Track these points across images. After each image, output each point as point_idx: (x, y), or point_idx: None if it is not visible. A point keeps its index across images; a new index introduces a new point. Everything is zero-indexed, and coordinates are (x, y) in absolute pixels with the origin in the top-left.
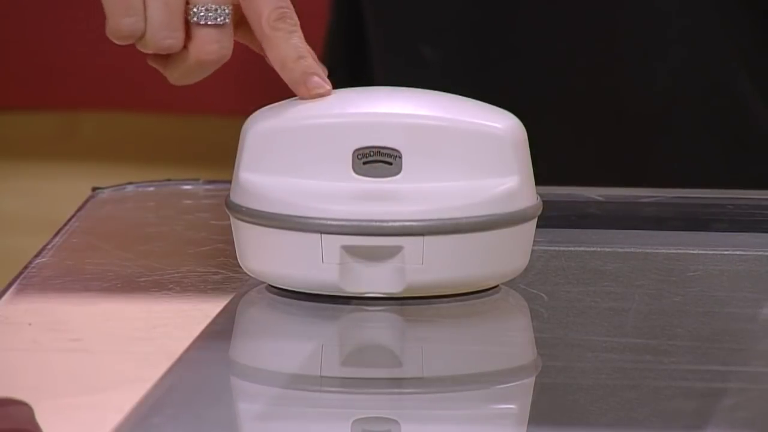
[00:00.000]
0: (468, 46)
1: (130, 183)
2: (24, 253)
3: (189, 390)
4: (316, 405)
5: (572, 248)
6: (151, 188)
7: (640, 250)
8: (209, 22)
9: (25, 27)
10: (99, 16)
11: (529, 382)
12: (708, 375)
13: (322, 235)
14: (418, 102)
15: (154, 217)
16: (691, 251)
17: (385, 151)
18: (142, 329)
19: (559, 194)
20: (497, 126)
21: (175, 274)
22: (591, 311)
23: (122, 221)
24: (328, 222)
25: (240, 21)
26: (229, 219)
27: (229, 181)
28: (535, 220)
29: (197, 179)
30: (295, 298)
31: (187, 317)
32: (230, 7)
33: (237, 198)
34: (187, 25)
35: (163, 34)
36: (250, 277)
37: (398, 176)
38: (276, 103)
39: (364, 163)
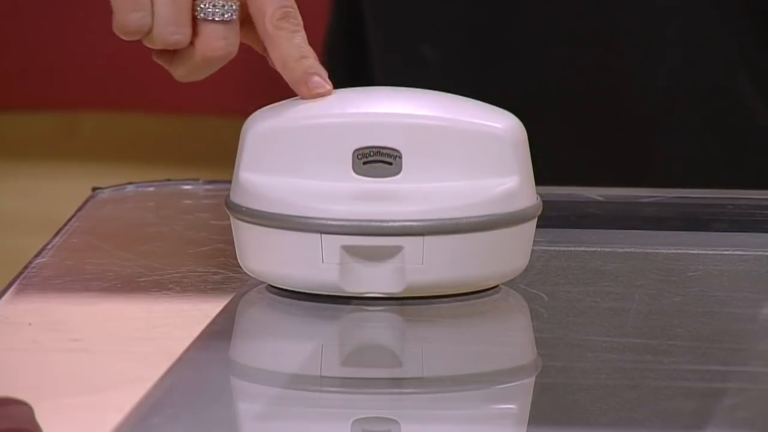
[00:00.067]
0: (468, 47)
1: (130, 183)
2: (24, 253)
3: (189, 390)
4: (316, 405)
5: (572, 248)
6: (151, 188)
7: (640, 250)
8: (216, 18)
9: (25, 27)
10: (99, 15)
11: (529, 382)
12: (708, 375)
13: (322, 235)
14: (418, 102)
15: (154, 217)
16: (691, 251)
17: (385, 151)
18: (142, 329)
19: (559, 194)
20: (497, 126)
21: (175, 274)
22: (591, 311)
23: (122, 221)
24: (328, 222)
25: (244, 20)
26: (229, 219)
27: (229, 181)
28: (535, 220)
29: (197, 179)
30: (295, 298)
31: (187, 317)
32: (237, 4)
33: (237, 198)
34: (194, 21)
35: (170, 30)
36: (250, 277)
37: (398, 176)
38: (276, 103)
39: (364, 163)
